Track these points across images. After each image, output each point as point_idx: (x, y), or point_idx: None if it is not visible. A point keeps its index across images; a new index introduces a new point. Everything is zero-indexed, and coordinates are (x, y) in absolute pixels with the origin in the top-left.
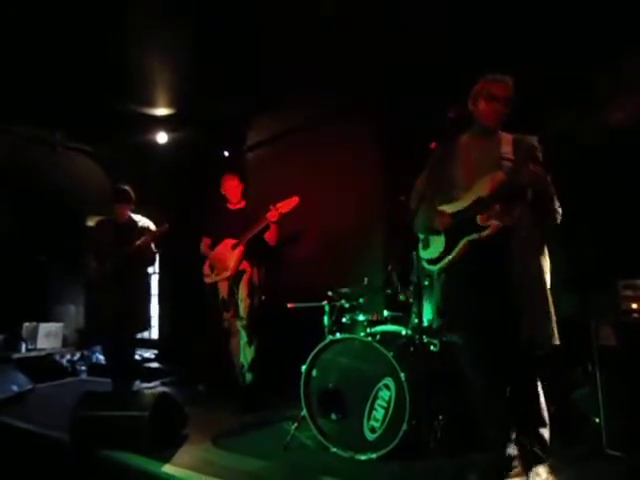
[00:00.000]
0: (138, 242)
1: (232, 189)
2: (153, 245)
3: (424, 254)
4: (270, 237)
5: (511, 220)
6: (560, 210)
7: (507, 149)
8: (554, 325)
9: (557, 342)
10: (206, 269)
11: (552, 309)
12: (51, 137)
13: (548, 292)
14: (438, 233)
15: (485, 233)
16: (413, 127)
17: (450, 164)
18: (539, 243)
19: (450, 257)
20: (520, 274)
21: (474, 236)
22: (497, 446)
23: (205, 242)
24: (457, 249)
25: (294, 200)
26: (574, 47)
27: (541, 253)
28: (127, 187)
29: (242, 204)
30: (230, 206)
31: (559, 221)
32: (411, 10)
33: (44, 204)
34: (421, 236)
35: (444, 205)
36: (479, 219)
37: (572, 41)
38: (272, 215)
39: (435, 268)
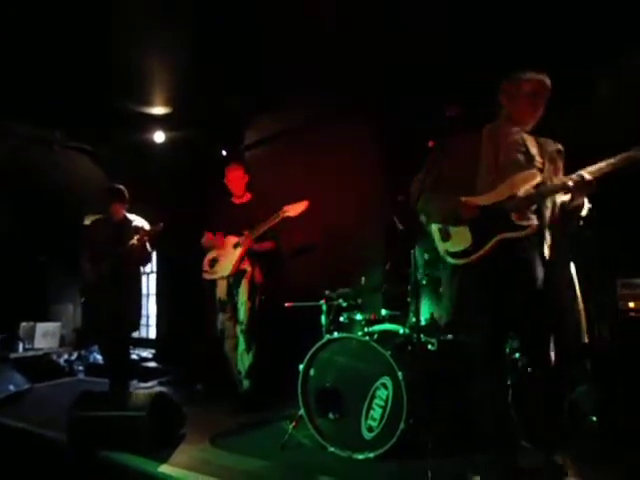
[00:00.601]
0: (131, 242)
1: (236, 180)
2: (148, 245)
3: (445, 246)
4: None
5: (544, 221)
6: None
7: (534, 150)
8: (584, 323)
9: (585, 340)
10: (205, 264)
11: (582, 308)
12: (50, 136)
13: (579, 291)
14: (457, 224)
15: (525, 233)
16: (413, 127)
17: (473, 155)
18: (568, 244)
19: (480, 253)
20: (555, 275)
21: (512, 234)
22: (497, 447)
23: (207, 237)
24: (489, 245)
25: (303, 204)
26: (575, 47)
27: (569, 254)
28: (121, 186)
29: (247, 198)
30: (234, 200)
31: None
32: (411, 10)
33: (44, 204)
34: (435, 226)
35: (468, 197)
36: (514, 217)
37: (573, 41)
38: (245, 243)
39: (460, 262)
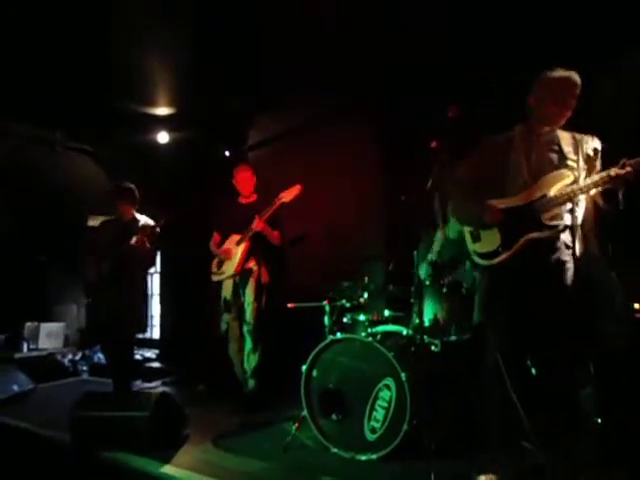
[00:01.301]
0: (132, 241)
1: (245, 180)
2: (148, 243)
3: (475, 247)
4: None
5: (575, 220)
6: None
7: (568, 149)
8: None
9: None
10: (213, 266)
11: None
12: (51, 137)
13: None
14: (485, 227)
15: (553, 233)
16: (413, 127)
17: (504, 157)
18: (599, 242)
19: (508, 253)
20: (588, 274)
21: (540, 234)
22: (502, 447)
23: (215, 238)
24: (517, 245)
25: (296, 188)
26: (574, 46)
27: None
28: (131, 185)
29: (254, 198)
30: (242, 200)
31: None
32: (411, 10)
33: (44, 204)
34: (467, 228)
35: (497, 199)
36: (544, 218)
37: (572, 40)
38: (257, 225)
39: (488, 263)
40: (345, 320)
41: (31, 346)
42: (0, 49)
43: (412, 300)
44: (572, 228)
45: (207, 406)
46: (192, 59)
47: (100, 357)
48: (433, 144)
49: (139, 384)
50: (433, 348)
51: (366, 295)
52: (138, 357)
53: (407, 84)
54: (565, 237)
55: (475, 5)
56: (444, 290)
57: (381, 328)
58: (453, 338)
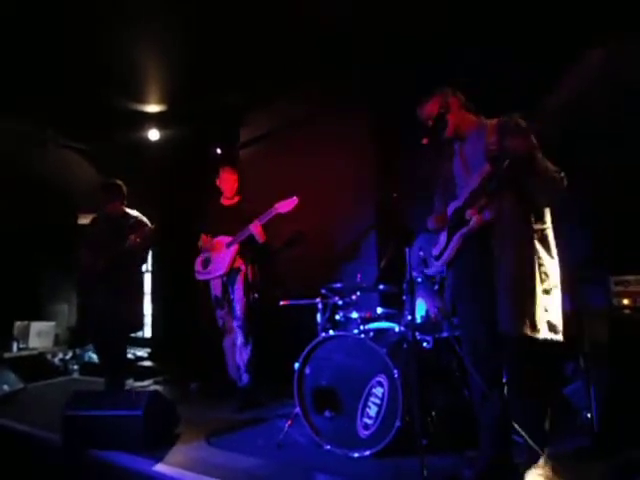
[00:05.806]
0: (133, 237)
1: (228, 182)
2: (142, 242)
3: (433, 251)
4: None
5: (494, 213)
6: (562, 177)
7: (493, 138)
8: (529, 318)
9: (532, 333)
10: (198, 265)
11: (531, 302)
12: (43, 134)
13: (526, 285)
14: (437, 232)
15: (469, 227)
16: (412, 127)
17: (451, 163)
18: (526, 234)
19: (447, 253)
20: (497, 268)
21: (463, 230)
22: (492, 442)
23: (203, 240)
24: (450, 245)
25: (293, 201)
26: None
27: (526, 244)
28: (118, 182)
29: (236, 199)
30: (224, 201)
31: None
32: (411, 11)
33: (36, 202)
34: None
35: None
36: (467, 214)
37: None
38: (254, 228)
39: (439, 264)
40: (338, 318)
41: (21, 345)
42: None
43: (404, 297)
44: (491, 222)
45: (199, 404)
46: (184, 56)
47: (91, 356)
48: (424, 141)
49: (131, 383)
50: (425, 344)
51: (358, 292)
52: (130, 356)
53: (406, 83)
54: (488, 230)
55: (475, 5)
56: (436, 287)
57: (373, 325)
58: (445, 334)
